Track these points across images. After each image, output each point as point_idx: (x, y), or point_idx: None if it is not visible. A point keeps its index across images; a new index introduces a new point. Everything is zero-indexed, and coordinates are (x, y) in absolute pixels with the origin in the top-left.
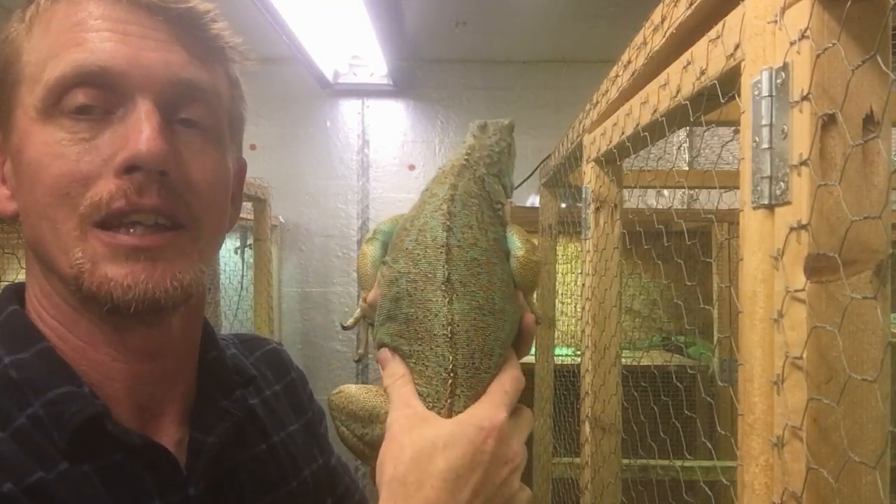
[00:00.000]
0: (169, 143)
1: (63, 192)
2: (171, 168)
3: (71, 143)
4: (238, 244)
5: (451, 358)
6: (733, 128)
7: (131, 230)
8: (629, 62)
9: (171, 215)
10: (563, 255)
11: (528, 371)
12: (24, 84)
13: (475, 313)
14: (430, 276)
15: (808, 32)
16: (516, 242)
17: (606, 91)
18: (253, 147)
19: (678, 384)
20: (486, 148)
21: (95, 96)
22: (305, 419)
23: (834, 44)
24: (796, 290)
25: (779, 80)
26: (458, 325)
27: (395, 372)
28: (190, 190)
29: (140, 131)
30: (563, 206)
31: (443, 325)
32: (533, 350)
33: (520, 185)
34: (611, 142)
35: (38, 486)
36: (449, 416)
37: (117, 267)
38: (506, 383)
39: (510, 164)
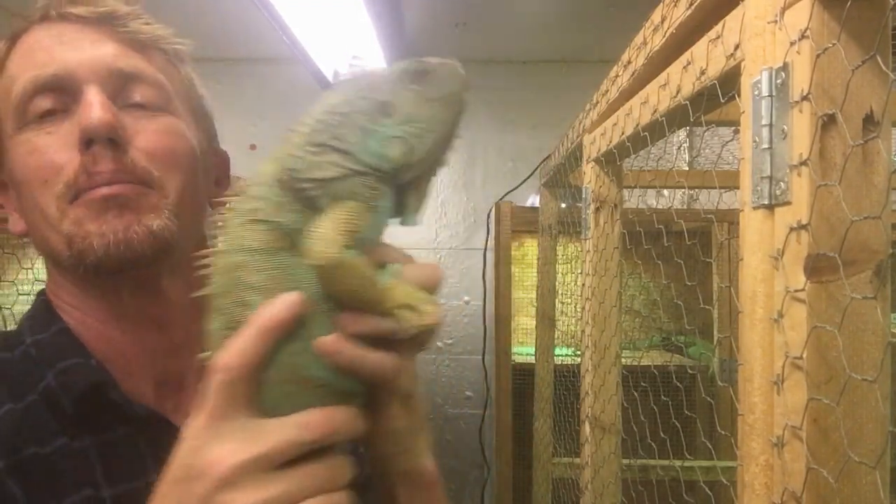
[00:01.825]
0: (115, 115)
1: (42, 181)
2: (121, 136)
3: (40, 138)
4: None
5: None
6: (733, 128)
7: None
8: (629, 62)
9: (131, 179)
10: (563, 255)
11: (528, 371)
12: (3, 119)
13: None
14: None
15: (808, 32)
16: (314, 231)
17: (606, 91)
18: (253, 147)
19: (678, 384)
20: (319, 115)
21: (53, 99)
22: None
23: (834, 44)
24: (796, 290)
25: (779, 80)
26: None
27: None
28: (147, 156)
29: (88, 108)
30: (563, 206)
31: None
32: (533, 350)
33: (520, 185)
34: (611, 142)
35: (30, 460)
36: None
37: (96, 222)
38: (209, 374)
39: (382, 128)
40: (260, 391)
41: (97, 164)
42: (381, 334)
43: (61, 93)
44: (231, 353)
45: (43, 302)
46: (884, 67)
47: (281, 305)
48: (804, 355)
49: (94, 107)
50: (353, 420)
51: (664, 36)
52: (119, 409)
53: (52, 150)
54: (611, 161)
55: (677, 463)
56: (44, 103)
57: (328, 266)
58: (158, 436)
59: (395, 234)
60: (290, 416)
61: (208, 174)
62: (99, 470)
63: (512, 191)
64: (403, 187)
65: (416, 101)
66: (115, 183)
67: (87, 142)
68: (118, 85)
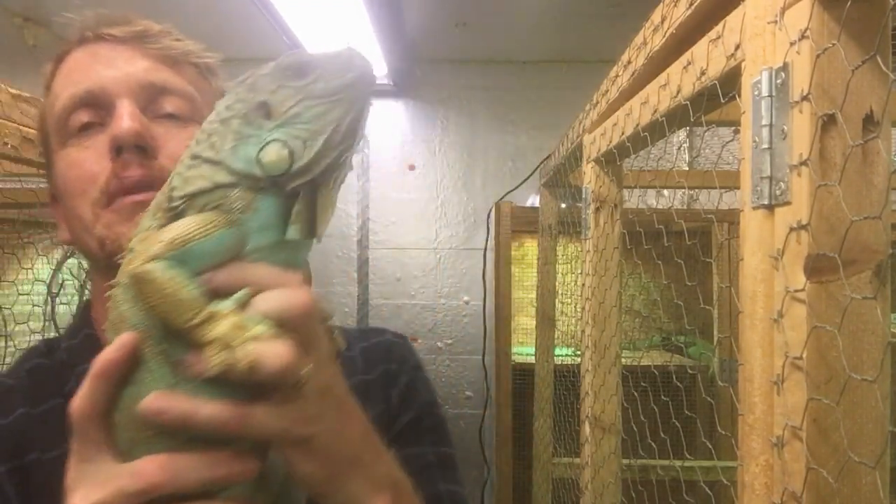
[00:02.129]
0: (143, 124)
1: (81, 191)
2: (149, 144)
3: (79, 152)
4: None
5: None
6: (733, 128)
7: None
8: (629, 62)
9: (159, 185)
10: (563, 255)
11: (528, 371)
12: (51, 136)
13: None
14: None
15: (808, 33)
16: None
17: (606, 91)
18: None
19: (678, 384)
20: (204, 130)
21: (90, 113)
22: (378, 411)
23: (834, 44)
24: (796, 290)
25: (779, 81)
26: None
27: None
28: (175, 163)
29: (119, 119)
30: (563, 206)
31: None
32: (533, 350)
33: (520, 185)
34: (611, 142)
35: (30, 465)
36: None
37: (126, 225)
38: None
39: (251, 132)
40: (116, 434)
41: (126, 170)
42: (205, 375)
43: (97, 107)
44: (78, 396)
45: (83, 309)
46: (884, 67)
47: (112, 347)
48: (804, 355)
49: (124, 117)
50: (208, 467)
51: (664, 36)
52: None
53: (89, 161)
54: (611, 161)
55: (677, 463)
56: (81, 117)
57: (131, 281)
58: None
59: (395, 236)
60: (126, 463)
61: None
62: None
63: (512, 191)
64: (298, 196)
65: (298, 99)
66: (144, 189)
67: (118, 149)
68: (150, 97)
